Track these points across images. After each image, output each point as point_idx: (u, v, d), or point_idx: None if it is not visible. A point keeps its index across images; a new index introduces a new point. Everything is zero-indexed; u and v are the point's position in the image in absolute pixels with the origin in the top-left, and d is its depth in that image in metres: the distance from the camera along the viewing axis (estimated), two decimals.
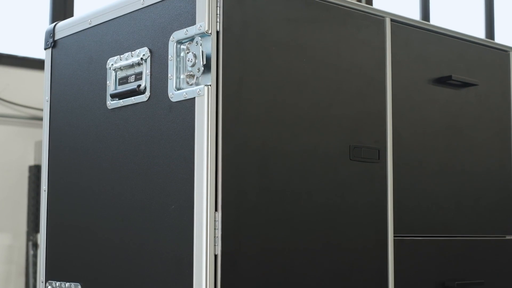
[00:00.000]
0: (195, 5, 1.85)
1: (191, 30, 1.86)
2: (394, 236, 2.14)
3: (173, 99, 1.89)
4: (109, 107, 2.09)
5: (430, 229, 2.28)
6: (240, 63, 1.86)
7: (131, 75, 2.05)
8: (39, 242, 2.36)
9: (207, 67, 1.82)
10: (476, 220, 2.43)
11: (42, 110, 2.37)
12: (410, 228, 2.21)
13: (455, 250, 2.34)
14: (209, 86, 1.81)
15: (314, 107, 2.00)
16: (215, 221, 1.77)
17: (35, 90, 5.09)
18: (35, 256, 5.14)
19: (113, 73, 2.09)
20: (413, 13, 6.21)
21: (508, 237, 2.51)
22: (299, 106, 1.97)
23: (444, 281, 2.28)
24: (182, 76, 1.89)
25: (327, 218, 2.00)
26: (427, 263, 2.25)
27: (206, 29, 1.82)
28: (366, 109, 2.12)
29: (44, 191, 2.30)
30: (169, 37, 1.92)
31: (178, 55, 1.90)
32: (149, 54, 1.98)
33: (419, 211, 2.25)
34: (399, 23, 2.25)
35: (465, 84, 2.41)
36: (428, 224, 2.27)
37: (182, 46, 1.89)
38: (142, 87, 1.99)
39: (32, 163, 5.28)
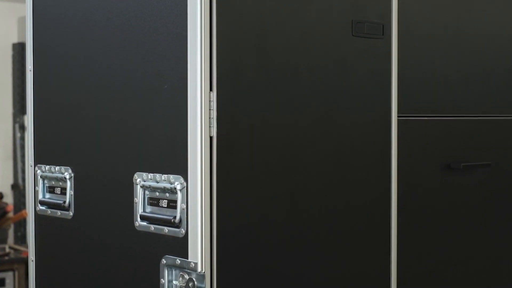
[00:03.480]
0: None
1: None
2: (398, 116, 2.16)
3: None
4: None
5: (436, 109, 2.30)
6: None
7: None
8: (26, 124, 2.38)
9: None
10: (484, 99, 2.44)
11: None
12: (415, 108, 2.23)
13: (462, 130, 2.37)
14: None
15: None
16: (210, 101, 1.79)
17: None
18: (22, 139, 5.20)
19: None
20: None
21: None
22: None
23: (449, 162, 2.31)
24: None
25: (328, 97, 2.01)
26: (432, 144, 2.28)
27: None
28: None
29: (30, 70, 2.30)
30: None
31: None
32: None
33: (425, 90, 2.26)
34: None
35: None
36: (434, 104, 2.29)
37: None
38: None
39: (15, 40, 5.26)
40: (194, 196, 1.78)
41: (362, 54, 2.08)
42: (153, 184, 1.89)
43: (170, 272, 1.85)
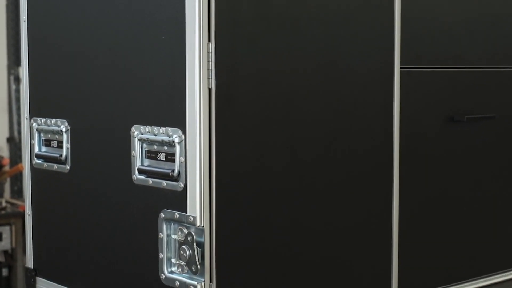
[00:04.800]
0: None
1: None
2: (400, 68, 2.16)
3: None
4: None
5: (439, 60, 2.29)
6: None
7: None
8: (21, 76, 2.38)
9: None
10: (490, 50, 2.44)
11: None
12: (418, 59, 2.22)
13: (466, 82, 2.37)
14: None
15: None
16: (208, 52, 1.78)
17: None
18: (17, 91, 5.19)
19: None
20: None
21: None
22: None
23: (453, 115, 2.32)
24: None
25: (329, 48, 2.00)
26: (435, 96, 2.28)
27: None
28: None
29: (24, 21, 2.29)
30: None
31: None
32: None
33: (428, 41, 2.25)
34: None
35: None
36: (437, 55, 2.29)
37: None
38: None
39: None
40: (192, 149, 1.78)
41: (364, 3, 2.06)
42: (151, 137, 1.89)
43: (168, 226, 1.86)
